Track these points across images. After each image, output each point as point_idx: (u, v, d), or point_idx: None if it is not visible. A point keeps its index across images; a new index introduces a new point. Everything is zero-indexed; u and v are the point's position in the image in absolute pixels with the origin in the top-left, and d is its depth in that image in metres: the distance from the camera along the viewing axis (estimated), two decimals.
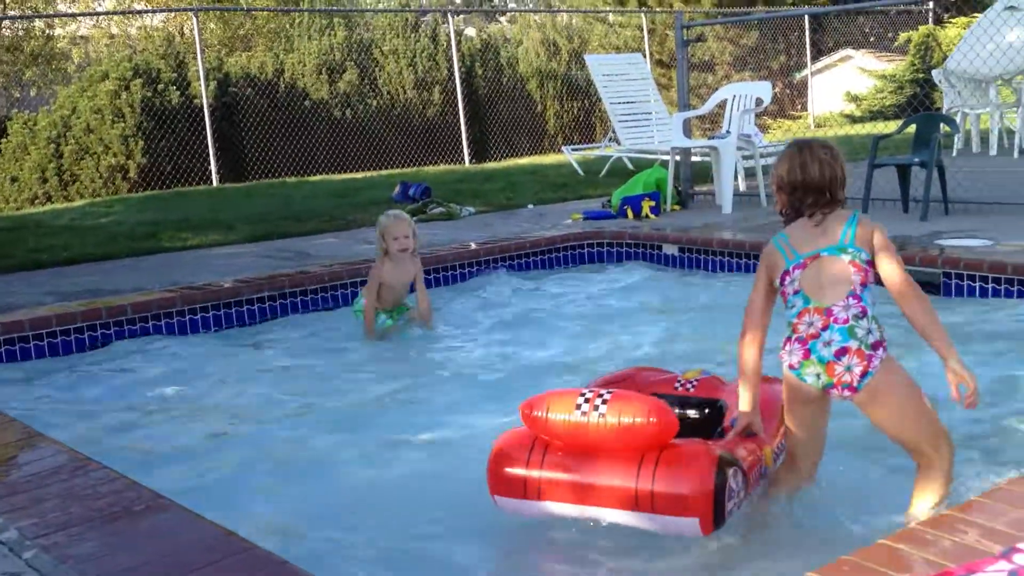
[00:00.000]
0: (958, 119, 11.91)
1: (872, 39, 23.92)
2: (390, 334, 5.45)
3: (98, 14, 22.07)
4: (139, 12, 22.28)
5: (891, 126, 8.47)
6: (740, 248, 6.59)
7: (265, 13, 21.22)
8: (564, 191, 10.29)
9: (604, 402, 2.72)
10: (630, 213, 8.13)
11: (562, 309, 6.02)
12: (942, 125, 7.45)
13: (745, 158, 9.28)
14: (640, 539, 2.86)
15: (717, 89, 11.04)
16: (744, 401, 2.99)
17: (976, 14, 16.35)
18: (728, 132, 8.82)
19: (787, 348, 2.88)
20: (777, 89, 23.57)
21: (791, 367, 2.87)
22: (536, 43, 24.15)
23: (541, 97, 19.65)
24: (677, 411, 3.03)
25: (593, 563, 2.86)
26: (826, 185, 2.93)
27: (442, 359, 5.10)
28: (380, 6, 25.13)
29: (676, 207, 8.64)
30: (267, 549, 2.53)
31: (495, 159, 16.97)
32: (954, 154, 11.13)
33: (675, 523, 2.70)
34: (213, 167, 13.09)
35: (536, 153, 17.85)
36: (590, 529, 2.91)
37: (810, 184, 2.93)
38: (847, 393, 2.82)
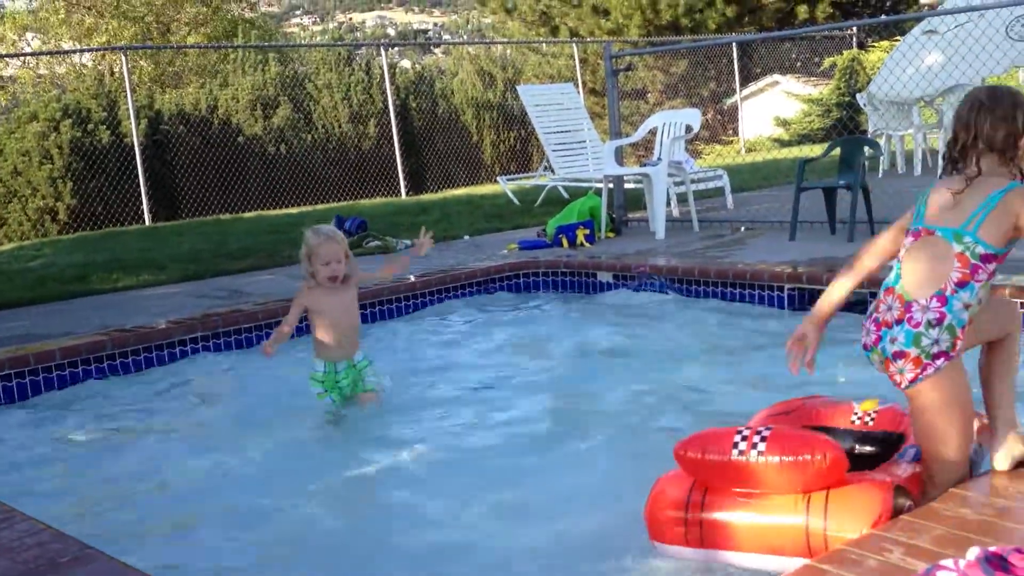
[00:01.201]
0: (883, 141, 12.22)
1: (799, 64, 24.46)
2: (337, 409, 4.61)
3: (25, 55, 21.74)
4: (68, 52, 22.01)
5: (819, 149, 8.65)
6: (673, 273, 6.66)
7: (196, 50, 21.09)
8: (500, 221, 10.32)
9: (763, 439, 2.63)
10: (565, 242, 8.18)
11: (495, 340, 6.03)
12: (866, 148, 7.63)
13: (677, 184, 9.41)
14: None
15: (650, 116, 11.19)
16: (811, 316, 2.96)
17: (897, 38, 16.82)
18: (659, 159, 8.94)
19: (866, 325, 2.80)
20: (708, 115, 23.98)
21: (864, 346, 2.82)
22: (471, 74, 24.31)
23: (477, 127, 19.77)
24: (856, 447, 3.06)
25: None
26: (989, 136, 2.68)
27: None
28: (314, 40, 25.15)
29: (611, 234, 8.72)
30: None
31: (431, 190, 17.00)
32: (880, 175, 11.41)
33: None
34: (145, 206, 12.93)
35: (473, 183, 17.93)
36: None
37: (977, 130, 2.68)
38: (900, 386, 2.75)
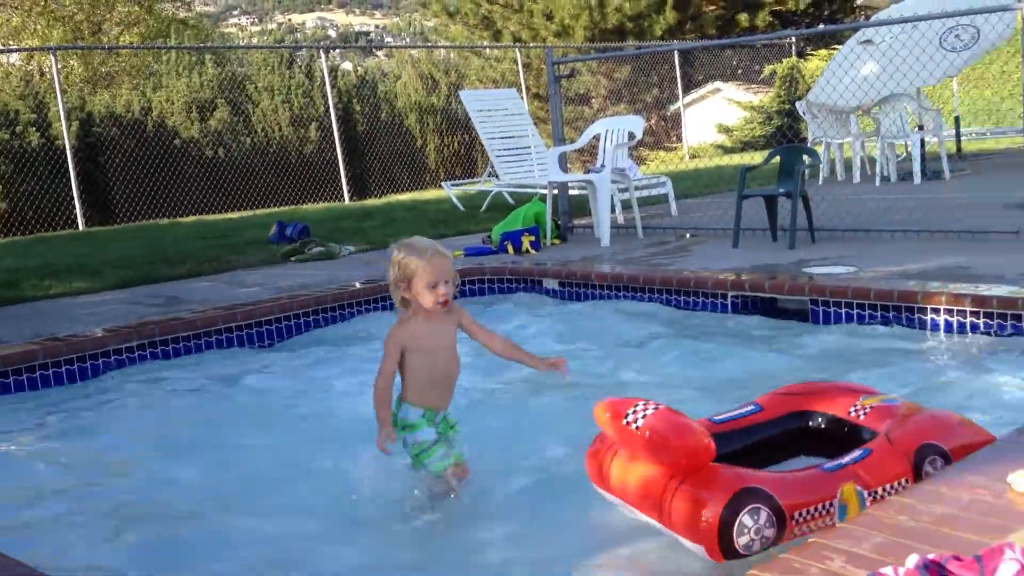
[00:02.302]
0: (822, 149, 12.41)
1: (740, 71, 24.79)
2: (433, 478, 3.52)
3: None
4: None
5: (760, 156, 8.75)
6: (619, 281, 6.68)
7: (129, 50, 20.74)
8: (444, 227, 10.28)
9: (644, 416, 2.83)
10: (510, 248, 8.17)
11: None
12: (805, 156, 7.72)
13: (621, 191, 9.45)
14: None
15: (594, 121, 11.24)
16: None
17: (835, 47, 17.11)
18: (603, 166, 8.97)
19: None
20: (652, 121, 24.18)
21: None
22: (414, 77, 24.23)
23: (421, 132, 19.71)
24: (811, 426, 3.36)
25: None
26: None
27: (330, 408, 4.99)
28: (253, 42, 24.88)
29: (556, 241, 8.73)
30: None
31: (375, 195, 16.91)
32: (820, 183, 11.58)
33: (688, 544, 2.81)
34: (78, 210, 12.66)
35: (417, 188, 17.88)
36: None
37: None
38: None
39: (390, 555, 3.27)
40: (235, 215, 13.74)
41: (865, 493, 2.95)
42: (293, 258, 8.77)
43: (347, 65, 28.45)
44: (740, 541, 2.73)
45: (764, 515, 2.76)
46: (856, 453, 3.03)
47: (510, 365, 4.09)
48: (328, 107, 15.93)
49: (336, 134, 15.39)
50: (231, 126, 16.96)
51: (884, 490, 2.98)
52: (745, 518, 2.73)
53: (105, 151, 15.11)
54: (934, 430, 3.14)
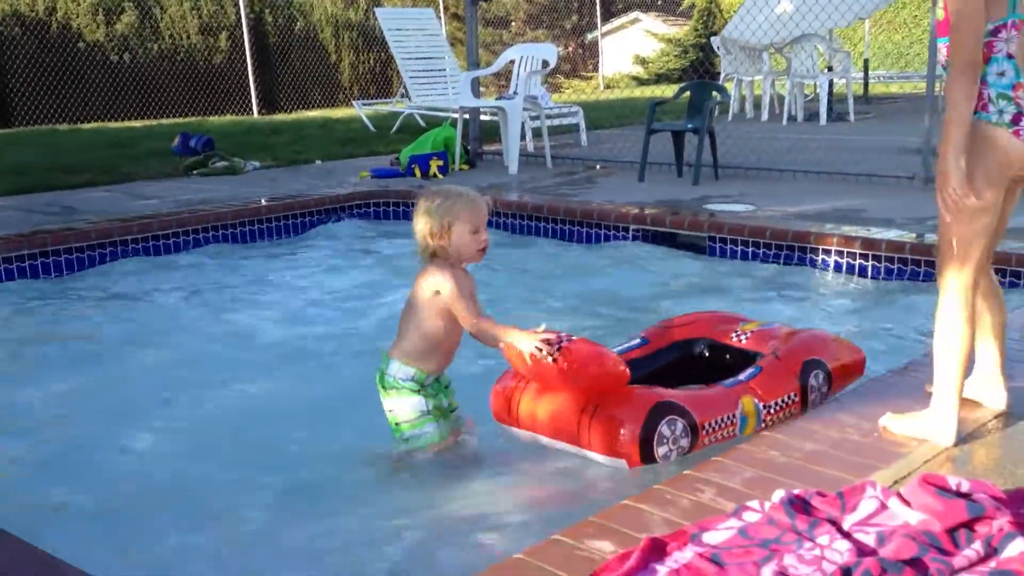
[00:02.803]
0: (733, 85, 12.52)
1: (660, 2, 24.73)
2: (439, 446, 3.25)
3: None
4: None
5: (673, 89, 8.78)
6: (523, 210, 6.70)
7: None
8: (354, 147, 10.14)
9: (559, 348, 2.87)
10: (418, 172, 8.11)
11: (338, 269, 5.95)
12: (714, 93, 7.79)
13: (533, 119, 9.41)
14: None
15: (511, 46, 11.12)
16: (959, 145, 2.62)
17: None
18: (515, 93, 8.91)
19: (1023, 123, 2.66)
20: (570, 49, 24.03)
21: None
22: None
23: (336, 47, 19.20)
24: (704, 353, 3.51)
25: None
26: None
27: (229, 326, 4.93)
28: None
29: (465, 167, 8.68)
30: None
31: (285, 111, 16.51)
32: (729, 119, 11.70)
33: (606, 460, 2.92)
34: None
35: (329, 106, 17.51)
36: None
37: None
38: None
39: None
40: (138, 124, 13.31)
41: (761, 406, 3.12)
42: (196, 171, 8.57)
43: None
44: (660, 451, 2.88)
45: (680, 426, 2.92)
46: (750, 370, 3.21)
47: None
48: (240, 16, 15.43)
49: (247, 45, 14.93)
50: (138, 31, 16.29)
51: (776, 403, 3.15)
52: (664, 428, 2.88)
53: (5, 51, 14.42)
54: (815, 347, 3.35)
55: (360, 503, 2.99)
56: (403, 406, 3.18)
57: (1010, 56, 2.64)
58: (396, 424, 3.20)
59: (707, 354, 3.55)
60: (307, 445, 3.41)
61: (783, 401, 3.16)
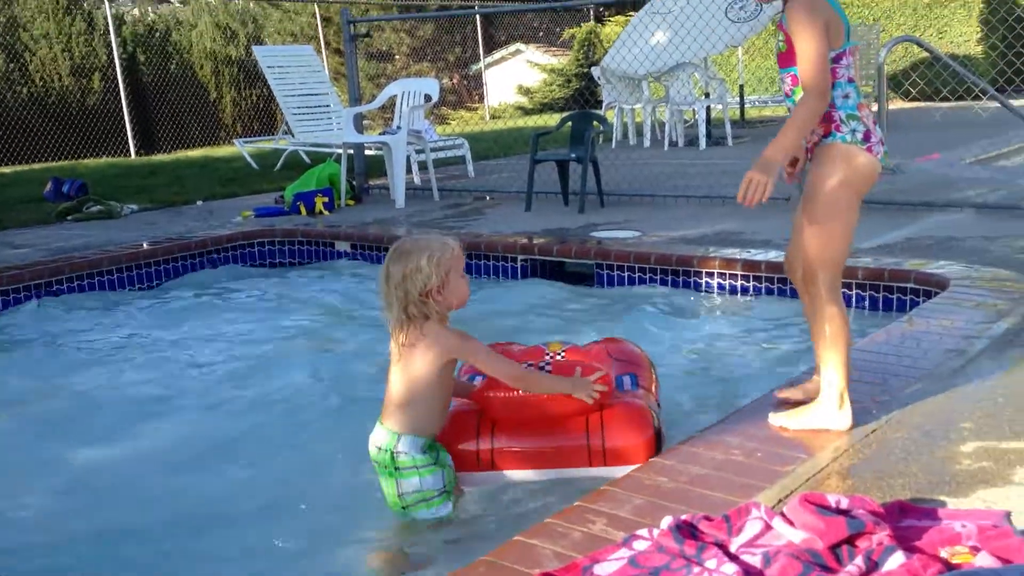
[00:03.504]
0: (615, 113, 12.75)
1: (541, 34, 25.07)
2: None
3: None
4: None
5: (558, 118, 8.88)
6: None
7: None
8: (236, 186, 9.96)
9: (552, 363, 3.05)
10: (303, 209, 8.00)
11: (220, 313, 5.81)
12: (595, 122, 7.90)
13: (418, 152, 9.40)
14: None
15: (395, 80, 11.12)
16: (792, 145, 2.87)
17: (631, 14, 17.57)
18: (399, 128, 8.89)
19: (873, 139, 2.92)
20: (454, 81, 24.16)
21: (878, 154, 2.94)
22: (211, 27, 23.18)
23: (217, 84, 18.90)
24: None
25: None
26: None
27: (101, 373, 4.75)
28: None
29: (351, 202, 8.61)
30: None
31: (164, 151, 16.15)
32: (613, 146, 11.90)
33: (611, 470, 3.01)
34: None
35: (211, 144, 17.20)
36: None
37: None
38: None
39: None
40: (7, 170, 12.85)
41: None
42: (70, 217, 8.29)
43: (136, 12, 26.89)
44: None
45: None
46: (628, 380, 3.40)
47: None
48: (112, 56, 15.06)
49: (121, 85, 14.59)
50: (6, 74, 15.75)
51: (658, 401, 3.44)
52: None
53: None
54: (637, 348, 3.70)
55: None
56: (423, 486, 2.92)
57: (851, 80, 2.92)
58: (406, 507, 2.94)
59: None
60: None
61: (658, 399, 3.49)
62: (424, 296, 2.84)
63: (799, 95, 2.91)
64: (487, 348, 2.99)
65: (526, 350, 3.57)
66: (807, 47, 2.81)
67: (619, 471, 2.93)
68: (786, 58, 2.97)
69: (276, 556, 2.92)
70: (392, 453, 2.90)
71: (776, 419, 3.09)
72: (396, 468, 2.91)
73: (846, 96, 2.91)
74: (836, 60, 2.87)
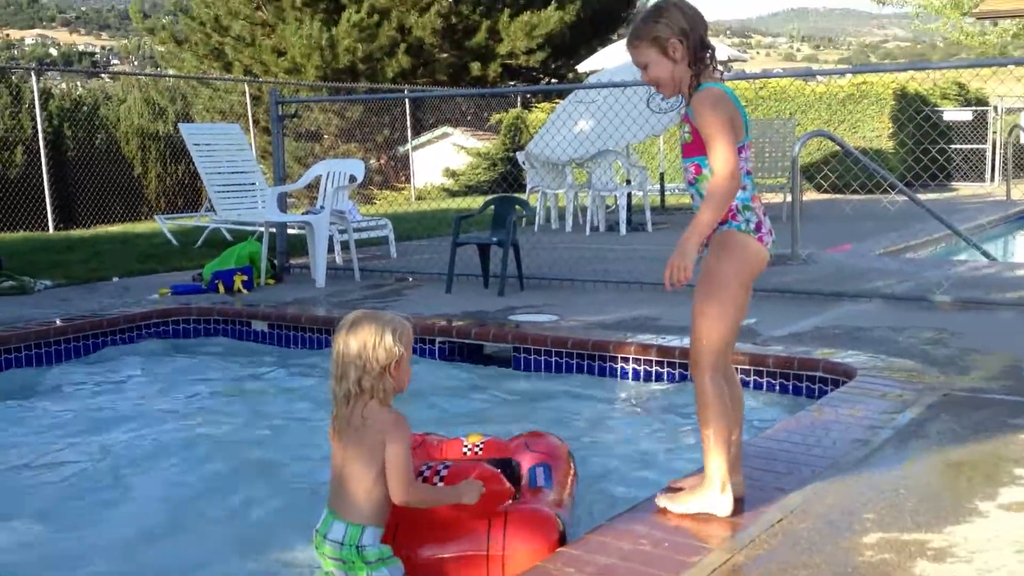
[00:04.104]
0: (538, 197, 12.93)
1: (469, 118, 25.43)
2: None
3: None
4: None
5: (482, 200, 8.96)
6: (329, 325, 6.61)
7: None
8: (156, 262, 9.81)
9: (446, 474, 2.94)
10: (221, 288, 7.90)
11: (133, 392, 5.68)
12: (517, 207, 8.01)
13: (341, 232, 9.40)
14: None
15: (322, 159, 11.14)
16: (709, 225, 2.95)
17: (557, 101, 17.96)
18: (322, 208, 8.89)
19: (764, 229, 3.06)
20: (382, 161, 24.32)
21: (767, 244, 3.08)
22: (139, 102, 23.06)
23: (143, 159, 18.79)
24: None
25: None
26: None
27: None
28: None
29: (271, 281, 8.54)
30: None
31: (84, 226, 15.89)
32: (536, 229, 12.04)
33: None
34: None
35: (133, 220, 16.97)
36: None
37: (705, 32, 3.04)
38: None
39: None
40: None
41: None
42: None
43: (64, 86, 26.66)
44: None
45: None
46: (542, 471, 3.35)
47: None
48: (36, 130, 14.88)
49: (43, 159, 14.37)
50: None
51: (572, 495, 3.44)
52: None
53: None
54: (558, 441, 3.71)
55: None
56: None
57: (748, 172, 3.04)
58: None
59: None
60: None
61: (573, 491, 3.48)
62: (383, 371, 2.75)
63: (703, 183, 3.03)
64: (405, 448, 2.77)
65: (444, 442, 3.58)
66: (717, 135, 2.91)
67: None
68: (691, 148, 3.08)
69: None
70: (358, 548, 2.76)
71: (661, 501, 3.15)
72: (366, 562, 2.77)
73: (743, 188, 3.01)
74: (736, 153, 2.96)
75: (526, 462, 3.40)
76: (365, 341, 2.73)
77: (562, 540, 2.99)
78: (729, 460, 3.06)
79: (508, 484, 3.09)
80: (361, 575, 2.77)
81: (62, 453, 4.59)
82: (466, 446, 3.54)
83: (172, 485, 4.14)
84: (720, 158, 2.90)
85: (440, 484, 2.98)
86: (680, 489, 3.22)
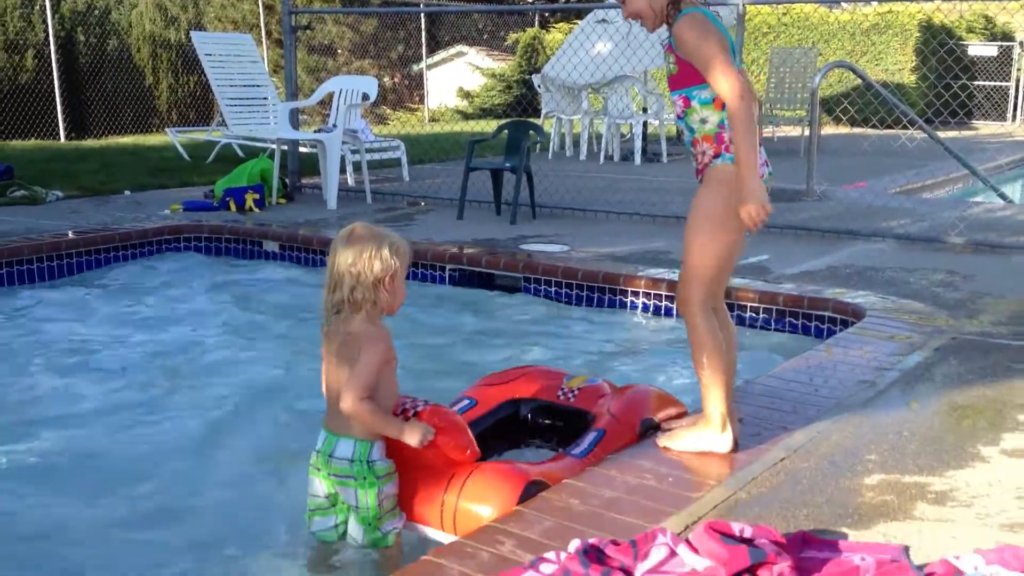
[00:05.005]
0: (553, 123, 12.81)
1: (485, 36, 25.06)
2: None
3: None
4: None
5: (497, 124, 8.88)
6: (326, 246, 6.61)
7: None
8: (167, 177, 9.79)
9: (416, 414, 2.78)
10: (232, 206, 7.90)
11: (143, 310, 5.71)
12: (531, 132, 7.94)
13: (353, 152, 9.35)
14: None
15: (335, 75, 11.01)
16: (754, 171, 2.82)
17: (575, 21, 17.67)
18: (334, 126, 8.83)
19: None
20: (395, 80, 24.04)
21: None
22: (151, 7, 22.72)
23: (154, 68, 18.54)
24: (540, 421, 3.35)
25: None
26: None
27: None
28: None
29: (282, 200, 8.52)
30: None
31: (95, 136, 15.81)
32: (550, 156, 11.95)
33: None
34: None
35: (143, 132, 16.88)
36: None
37: None
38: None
39: None
40: None
41: None
42: None
43: None
44: None
45: None
46: (592, 436, 3.17)
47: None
48: (48, 33, 14.72)
49: (55, 64, 14.25)
50: None
51: None
52: None
53: None
54: (647, 405, 3.37)
55: None
56: (387, 493, 2.81)
57: None
58: (371, 522, 2.80)
59: (538, 414, 3.44)
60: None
61: None
62: (377, 283, 2.73)
63: (692, 116, 2.95)
64: (378, 361, 2.72)
65: (546, 377, 3.48)
66: (712, 58, 2.79)
67: None
68: (677, 80, 2.97)
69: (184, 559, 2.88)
70: (368, 463, 2.78)
71: (661, 440, 3.16)
72: (377, 477, 2.78)
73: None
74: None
75: (596, 422, 3.25)
76: (361, 251, 2.72)
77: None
78: (727, 397, 3.07)
79: (470, 445, 2.87)
80: (371, 491, 2.77)
81: (68, 367, 4.64)
82: (563, 389, 3.42)
83: (176, 405, 4.18)
84: (724, 82, 2.78)
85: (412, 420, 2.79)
86: (677, 430, 3.22)
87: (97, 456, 3.64)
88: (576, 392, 3.43)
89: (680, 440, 3.14)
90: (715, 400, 3.05)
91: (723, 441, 3.08)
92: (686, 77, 2.93)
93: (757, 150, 2.83)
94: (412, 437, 2.74)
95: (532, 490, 2.83)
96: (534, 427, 3.45)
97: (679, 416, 3.39)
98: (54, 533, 3.03)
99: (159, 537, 3.02)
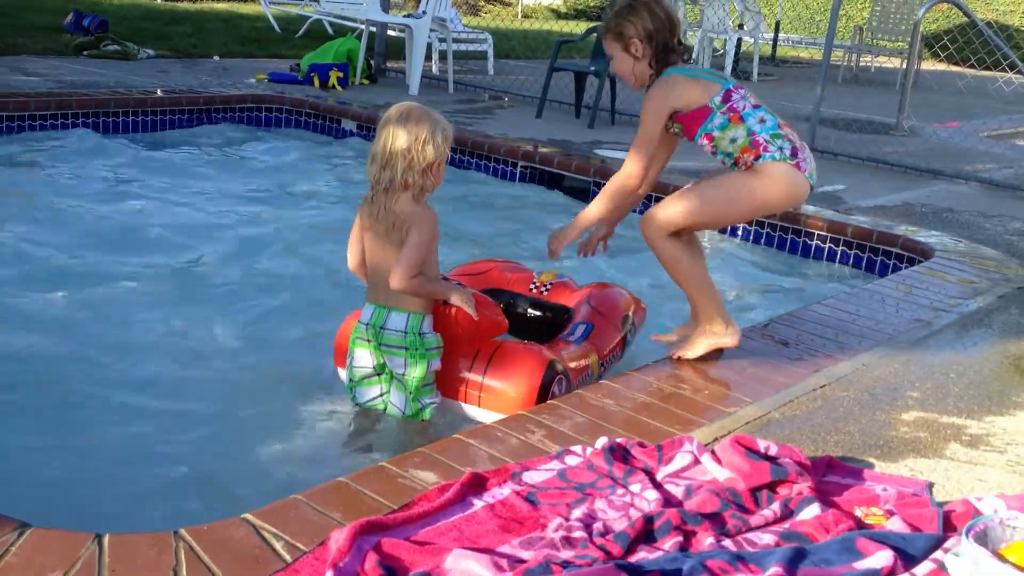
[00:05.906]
0: None
1: None
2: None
3: None
4: None
5: (585, 27, 8.74)
6: None
7: None
8: (256, 47, 9.88)
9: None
10: (316, 81, 7.96)
11: (219, 173, 5.84)
12: None
13: (440, 40, 9.30)
14: None
15: None
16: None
17: None
18: (424, 12, 8.78)
19: (801, 155, 3.00)
20: None
21: (806, 171, 3.02)
22: None
23: None
24: (529, 312, 3.39)
25: None
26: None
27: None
28: None
29: (365, 81, 8.56)
30: None
31: None
32: None
33: (486, 413, 2.89)
34: None
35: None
36: None
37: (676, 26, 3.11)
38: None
39: None
40: None
41: (599, 363, 3.21)
42: (86, 52, 8.25)
43: None
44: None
45: (565, 384, 2.99)
46: (582, 328, 3.27)
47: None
48: None
49: None
50: None
51: (608, 359, 3.27)
52: (555, 389, 2.94)
53: None
54: (624, 303, 3.49)
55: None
56: (434, 367, 2.89)
57: (756, 106, 3.03)
58: (414, 391, 2.87)
59: (515, 307, 3.45)
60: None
61: (612, 356, 3.30)
62: (427, 169, 2.74)
63: (721, 144, 3.03)
64: (427, 240, 2.76)
65: (515, 273, 3.57)
66: (639, 135, 3.07)
67: (490, 415, 2.85)
68: (688, 129, 3.07)
69: (230, 426, 3.01)
70: (420, 335, 2.84)
71: (675, 353, 3.21)
72: (427, 349, 2.85)
73: (762, 121, 2.99)
74: (725, 100, 2.99)
75: (578, 316, 3.36)
76: (417, 135, 2.71)
77: (544, 390, 2.88)
78: (718, 298, 3.17)
79: (501, 317, 2.99)
80: (422, 363, 2.83)
81: (134, 218, 4.80)
82: (534, 283, 3.55)
83: (232, 271, 4.30)
84: (628, 161, 3.05)
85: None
86: (683, 341, 3.25)
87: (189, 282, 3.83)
88: (549, 286, 3.55)
89: (693, 348, 3.19)
90: (709, 303, 3.16)
91: (731, 334, 3.19)
92: (693, 121, 3.04)
93: (602, 213, 3.17)
94: (459, 298, 2.83)
95: (551, 372, 2.92)
96: (511, 317, 3.36)
97: (643, 315, 3.58)
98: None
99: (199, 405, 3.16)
